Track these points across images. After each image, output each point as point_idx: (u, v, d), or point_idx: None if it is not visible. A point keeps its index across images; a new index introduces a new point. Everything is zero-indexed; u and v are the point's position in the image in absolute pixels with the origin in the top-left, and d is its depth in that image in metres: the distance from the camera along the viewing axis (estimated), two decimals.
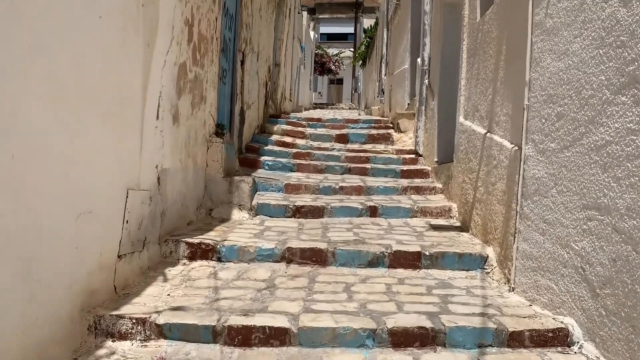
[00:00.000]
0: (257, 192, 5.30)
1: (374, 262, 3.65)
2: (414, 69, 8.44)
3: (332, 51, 30.65)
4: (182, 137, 4.04)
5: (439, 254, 3.66)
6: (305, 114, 11.71)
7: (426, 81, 6.73)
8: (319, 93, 32.75)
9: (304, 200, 5.07)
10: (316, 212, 4.81)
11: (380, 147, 7.32)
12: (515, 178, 3.40)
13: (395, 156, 6.82)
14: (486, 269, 3.65)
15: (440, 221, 4.79)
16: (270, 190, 5.43)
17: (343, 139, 7.57)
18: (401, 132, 7.67)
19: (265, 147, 6.87)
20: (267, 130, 7.86)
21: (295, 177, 5.97)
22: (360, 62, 20.90)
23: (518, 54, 3.49)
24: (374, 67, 16.28)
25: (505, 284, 3.42)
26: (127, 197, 3.12)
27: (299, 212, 4.81)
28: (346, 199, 5.26)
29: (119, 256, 3.07)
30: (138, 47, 3.19)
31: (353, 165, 6.38)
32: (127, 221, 3.14)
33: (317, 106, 21.17)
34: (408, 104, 8.52)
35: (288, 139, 7.45)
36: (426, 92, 6.73)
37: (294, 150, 6.83)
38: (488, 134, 4.09)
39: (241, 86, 6.24)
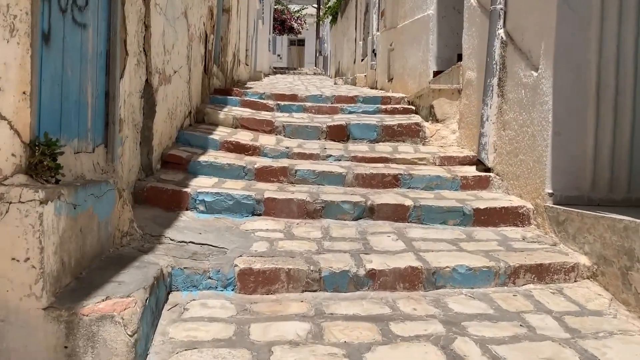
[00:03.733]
0: (170, 298, 2.12)
1: None
2: (447, 15, 5.30)
3: (292, 7, 26.91)
4: None
5: None
6: (267, 84, 8.41)
7: (500, 31, 3.59)
8: (278, 56, 29.03)
9: (289, 339, 1.92)
10: None
11: (408, 149, 4.17)
12: None
13: (443, 171, 3.68)
14: None
15: None
16: (202, 288, 2.25)
17: (339, 133, 4.39)
18: (437, 121, 4.54)
19: (202, 158, 3.61)
20: (207, 120, 4.57)
21: (261, 235, 2.77)
22: (330, 17, 17.44)
23: None
24: (351, 23, 12.94)
25: None
26: None
27: None
28: (391, 314, 2.13)
29: None
30: None
31: (376, 198, 3.19)
32: None
33: (277, 71, 17.84)
34: (434, 72, 5.35)
35: (245, 137, 4.19)
36: (501, 53, 3.60)
37: (257, 163, 3.60)
38: None
39: (144, 37, 2.94)
